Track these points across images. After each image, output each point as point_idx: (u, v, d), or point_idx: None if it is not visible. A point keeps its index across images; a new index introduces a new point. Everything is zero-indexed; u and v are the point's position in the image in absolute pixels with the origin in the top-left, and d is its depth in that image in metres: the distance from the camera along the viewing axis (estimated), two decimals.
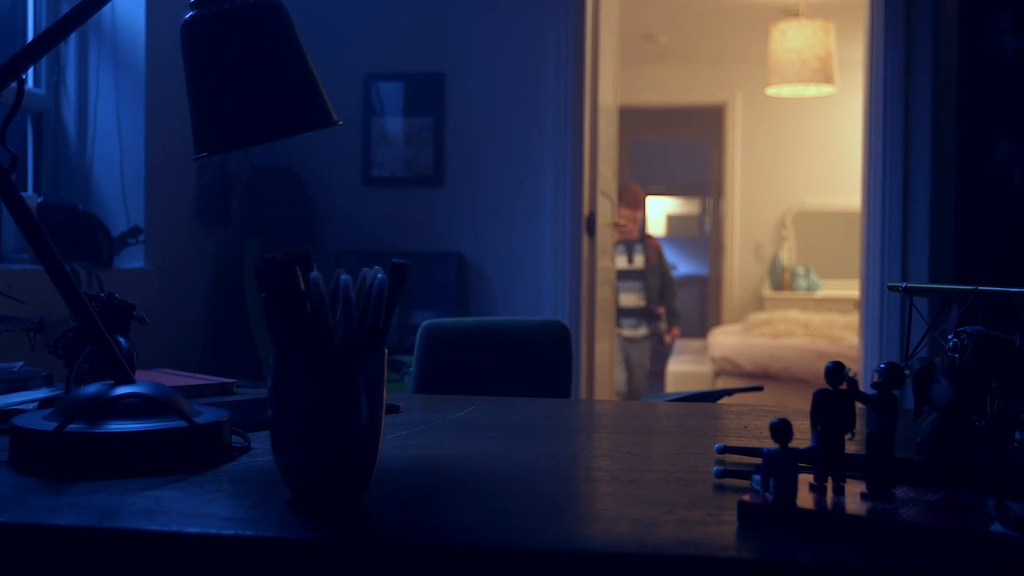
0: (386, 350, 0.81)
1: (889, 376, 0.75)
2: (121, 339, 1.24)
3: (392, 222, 3.51)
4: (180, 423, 0.91)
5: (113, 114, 2.73)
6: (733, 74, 7.22)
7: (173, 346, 2.95)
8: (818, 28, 5.08)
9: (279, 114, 1.00)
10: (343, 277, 0.77)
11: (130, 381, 0.96)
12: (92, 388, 0.95)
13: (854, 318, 6.00)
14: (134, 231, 2.67)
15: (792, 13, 5.52)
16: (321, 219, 3.50)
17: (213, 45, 1.00)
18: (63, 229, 2.45)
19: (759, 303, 7.20)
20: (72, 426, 0.88)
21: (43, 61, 2.71)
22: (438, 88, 3.47)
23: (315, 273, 0.77)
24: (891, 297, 3.23)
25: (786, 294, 7.10)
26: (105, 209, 2.74)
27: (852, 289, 6.61)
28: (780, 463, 0.73)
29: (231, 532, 0.71)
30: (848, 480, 0.78)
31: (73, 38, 2.73)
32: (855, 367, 3.85)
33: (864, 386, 2.74)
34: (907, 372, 0.85)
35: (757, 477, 0.76)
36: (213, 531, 0.71)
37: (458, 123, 3.48)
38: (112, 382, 0.96)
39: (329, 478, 0.78)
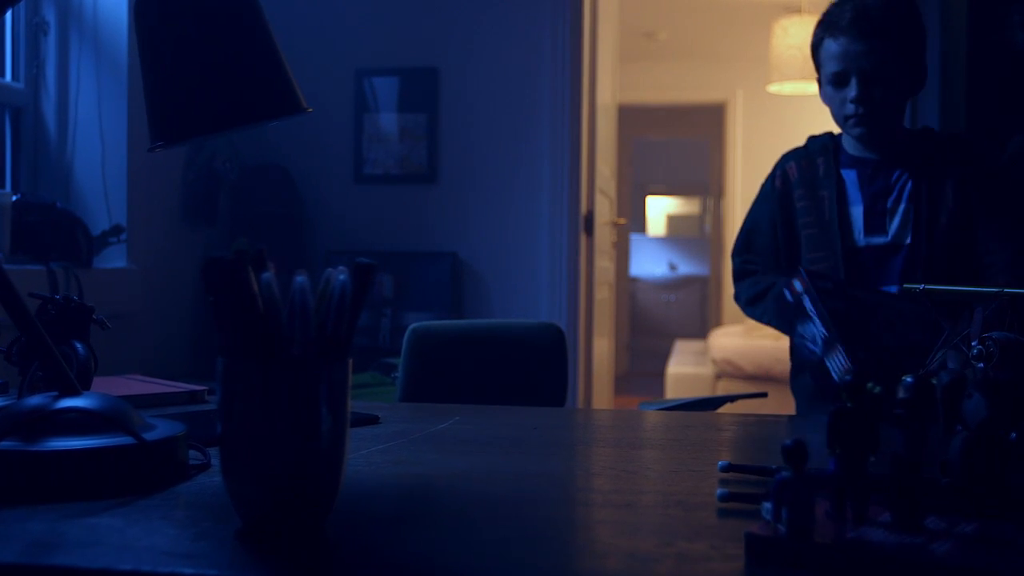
0: (350, 360, 0.73)
1: (918, 392, 0.66)
2: (78, 345, 1.15)
3: (385, 221, 3.42)
4: (126, 440, 0.82)
5: (95, 109, 2.65)
6: (734, 71, 7.13)
7: (156, 349, 2.87)
8: None
9: (243, 100, 0.92)
10: (298, 279, 0.68)
11: (75, 393, 0.87)
12: (33, 400, 0.86)
13: None
14: (115, 229, 2.58)
15: (794, 9, 5.43)
16: (311, 218, 3.42)
17: (169, 23, 0.91)
18: (40, 228, 2.36)
19: None
20: (6, 443, 0.80)
21: (22, 55, 2.62)
22: (432, 83, 3.38)
23: (268, 274, 0.68)
24: None
25: None
26: (86, 207, 2.65)
27: None
28: (794, 491, 0.64)
29: (168, 570, 0.62)
30: (870, 507, 0.70)
31: (53, 31, 2.64)
32: None
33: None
34: (933, 381, 0.77)
35: (767, 505, 0.67)
36: (147, 568, 0.62)
37: (453, 119, 3.40)
38: (56, 393, 0.87)
39: (285, 505, 0.70)
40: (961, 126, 2.96)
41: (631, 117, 7.52)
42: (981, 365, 0.99)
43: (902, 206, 1.77)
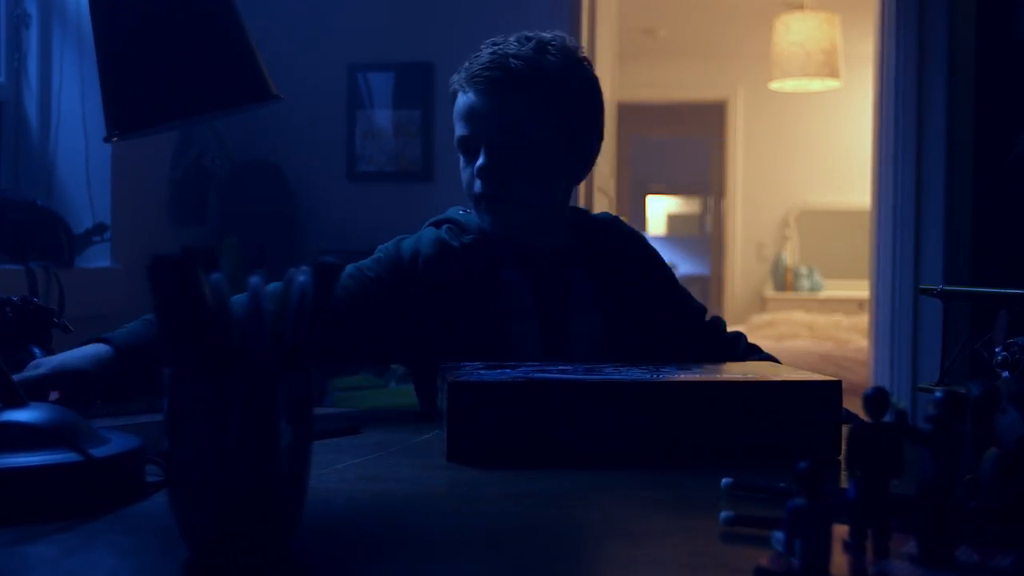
0: (312, 369, 0.65)
1: (948, 407, 0.59)
2: (37, 350, 1.08)
3: (378, 219, 3.34)
4: (71, 456, 0.75)
5: (78, 104, 2.57)
6: (735, 69, 7.05)
7: None
8: (823, 20, 4.92)
9: (205, 86, 0.84)
10: (252, 279, 0.61)
11: (20, 404, 0.80)
12: None
13: (859, 319, 5.85)
14: (99, 228, 2.51)
15: (796, 5, 5.36)
16: (304, 216, 3.34)
17: (123, 5, 0.83)
18: (20, 226, 2.28)
19: (761, 304, 7.04)
20: None
21: (3, 48, 2.55)
22: (427, 79, 3.30)
23: (217, 275, 0.61)
24: (903, 299, 3.06)
25: (789, 294, 6.94)
26: (69, 204, 2.58)
27: (856, 290, 6.45)
28: (809, 521, 0.57)
29: None
30: (893, 534, 0.62)
31: (35, 23, 2.57)
32: (864, 371, 3.70)
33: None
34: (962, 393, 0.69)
35: (778, 535, 0.60)
36: None
37: (448, 115, 3.31)
38: None
39: (237, 532, 0.62)
40: (969, 122, 2.89)
41: (631, 115, 7.44)
42: (1006, 374, 0.92)
43: (589, 315, 1.35)
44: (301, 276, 0.63)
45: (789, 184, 7.10)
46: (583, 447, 0.97)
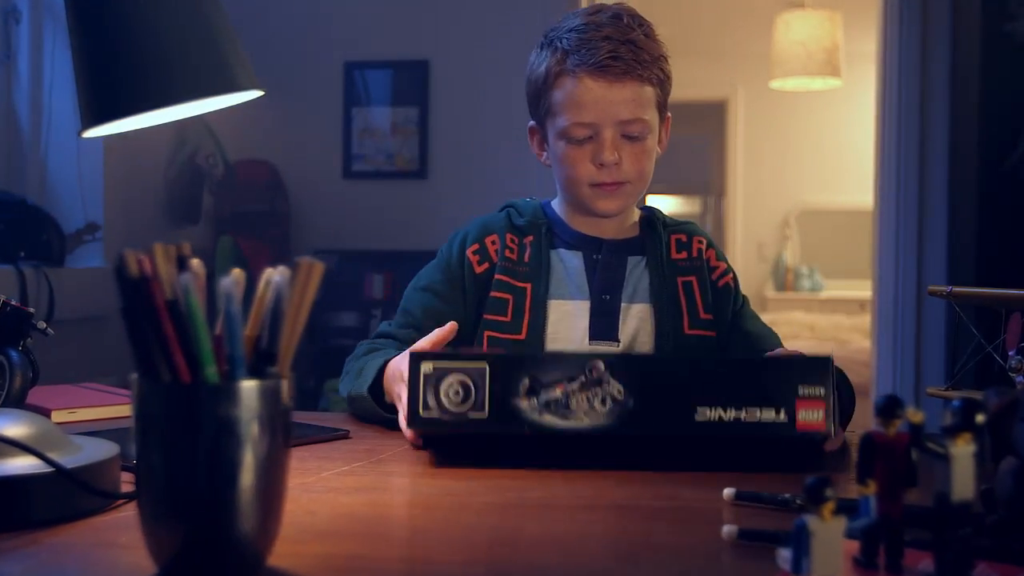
0: (290, 378, 0.62)
1: (966, 417, 0.55)
2: (13, 353, 1.04)
3: (375, 218, 3.31)
4: (38, 466, 0.71)
5: (70, 101, 2.53)
6: (735, 68, 7.01)
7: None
8: (825, 18, 4.87)
9: (181, 76, 0.81)
10: (225, 281, 0.57)
11: None
12: None
13: (861, 320, 5.82)
14: (90, 228, 2.47)
15: (797, 4, 5.33)
16: (299, 215, 3.31)
17: None
18: (10, 225, 2.25)
19: (762, 304, 7.00)
20: None
21: None
22: (422, 76, 3.27)
23: (186, 275, 0.57)
24: (906, 300, 3.03)
25: (789, 294, 6.90)
26: (61, 204, 2.54)
27: (857, 290, 6.41)
28: (817, 540, 0.53)
29: None
30: (907, 551, 0.58)
31: (26, 19, 2.53)
32: (866, 372, 3.66)
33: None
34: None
35: (785, 553, 0.56)
36: None
37: (443, 114, 3.28)
38: None
39: (206, 549, 0.59)
40: (973, 121, 2.85)
41: None
42: (1020, 378, 0.88)
43: (640, 304, 1.32)
44: (277, 277, 0.59)
45: (789, 184, 7.06)
46: (554, 422, 0.90)
